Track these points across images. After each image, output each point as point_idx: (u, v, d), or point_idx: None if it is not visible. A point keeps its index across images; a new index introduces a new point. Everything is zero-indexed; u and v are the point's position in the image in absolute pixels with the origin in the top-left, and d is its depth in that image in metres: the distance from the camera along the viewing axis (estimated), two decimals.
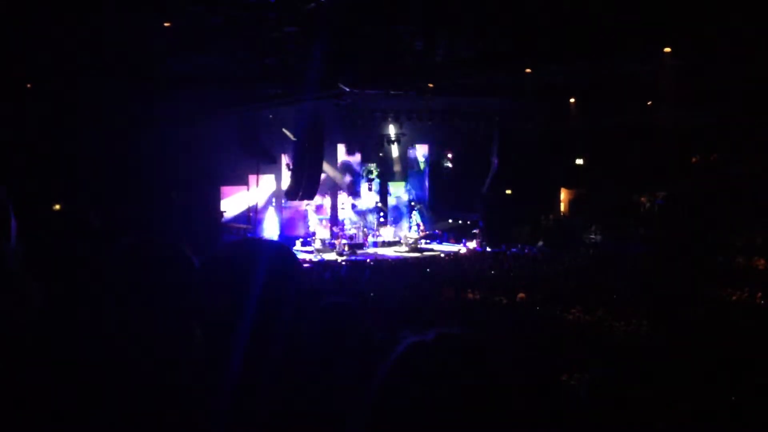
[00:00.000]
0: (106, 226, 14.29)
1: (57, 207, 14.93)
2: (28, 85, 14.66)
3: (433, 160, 25.42)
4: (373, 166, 24.22)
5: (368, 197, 24.25)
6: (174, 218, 15.67)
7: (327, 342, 2.21)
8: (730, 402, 5.03)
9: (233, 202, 21.50)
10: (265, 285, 1.57)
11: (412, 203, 25.02)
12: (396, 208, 25.12)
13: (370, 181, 24.10)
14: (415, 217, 24.75)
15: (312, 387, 1.69)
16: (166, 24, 12.88)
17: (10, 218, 1.38)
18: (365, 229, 23.45)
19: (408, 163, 25.28)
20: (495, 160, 22.84)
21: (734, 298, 11.77)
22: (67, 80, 14.51)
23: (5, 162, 13.04)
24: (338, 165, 23.82)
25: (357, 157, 24.17)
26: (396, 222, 24.78)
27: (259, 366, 1.59)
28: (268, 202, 22.60)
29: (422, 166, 25.60)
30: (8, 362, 1.65)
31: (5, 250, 1.59)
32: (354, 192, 24.19)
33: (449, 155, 24.95)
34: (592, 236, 20.83)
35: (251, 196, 21.83)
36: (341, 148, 23.79)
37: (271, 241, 1.78)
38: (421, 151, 25.53)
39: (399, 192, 25.26)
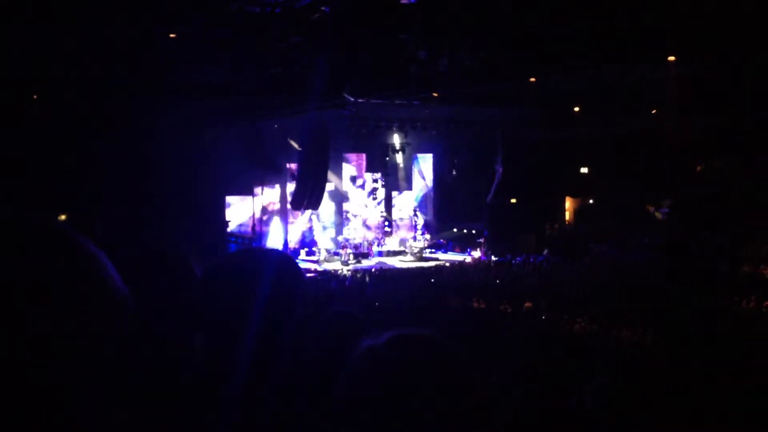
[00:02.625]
0: (111, 236, 14.32)
1: (62, 217, 14.96)
2: (34, 96, 14.74)
3: (438, 169, 25.44)
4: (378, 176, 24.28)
5: (373, 208, 24.27)
6: (180, 227, 15.68)
7: (330, 352, 2.21)
8: (736, 411, 5.00)
9: (238, 212, 21.54)
10: (268, 295, 1.56)
11: (417, 212, 25.02)
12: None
13: (374, 190, 24.13)
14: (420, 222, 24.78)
15: (316, 397, 1.68)
16: (171, 35, 12.96)
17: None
18: (370, 239, 23.47)
19: (413, 172, 25.31)
20: (500, 169, 22.83)
21: (741, 306, 11.71)
22: (73, 90, 14.58)
23: (11, 172, 13.09)
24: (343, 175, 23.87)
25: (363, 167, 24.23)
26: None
27: (262, 376, 1.58)
28: (273, 212, 22.62)
29: (427, 175, 25.63)
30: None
31: None
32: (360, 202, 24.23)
33: (454, 164, 24.96)
34: (597, 245, 20.76)
35: (256, 206, 21.86)
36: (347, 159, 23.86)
37: (273, 251, 1.78)
38: (425, 161, 25.56)
39: (404, 201, 25.27)
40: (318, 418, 1.55)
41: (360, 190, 24.38)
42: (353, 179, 24.24)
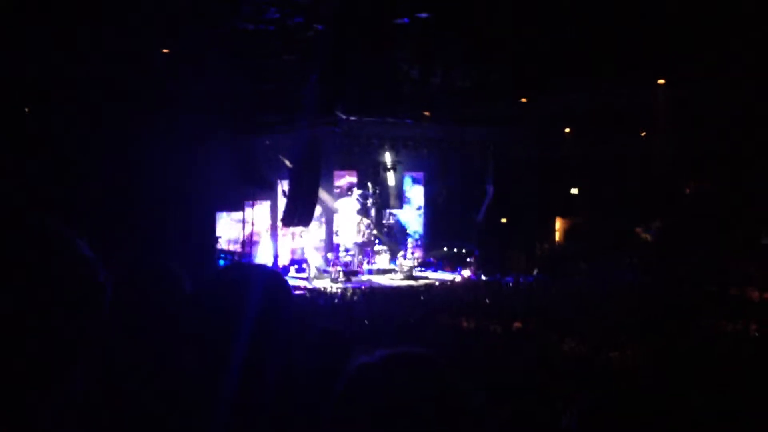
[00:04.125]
0: (99, 249, 14.22)
1: None
2: (26, 109, 14.73)
3: (428, 188, 25.48)
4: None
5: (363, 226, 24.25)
6: (169, 243, 15.63)
7: (318, 368, 2.21)
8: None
9: (228, 228, 21.49)
10: (257, 310, 1.57)
11: (407, 231, 24.99)
12: (391, 235, 25.09)
13: (365, 208, 24.13)
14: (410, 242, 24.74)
15: (305, 414, 1.68)
16: (164, 50, 13.01)
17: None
18: (360, 257, 23.42)
19: (403, 191, 25.34)
20: (490, 188, 22.91)
21: (729, 329, 11.75)
22: (63, 103, 14.57)
23: None
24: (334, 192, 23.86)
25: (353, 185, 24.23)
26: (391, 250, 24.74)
27: (252, 391, 1.58)
28: (264, 229, 22.57)
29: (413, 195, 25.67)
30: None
31: None
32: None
33: (445, 183, 25.02)
34: (587, 265, 20.82)
35: (247, 222, 21.81)
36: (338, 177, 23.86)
37: (262, 267, 1.79)
38: (413, 180, 25.61)
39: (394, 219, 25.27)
40: (309, 428, 1.56)
41: (351, 206, 24.35)
42: (343, 194, 24.22)
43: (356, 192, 23.67)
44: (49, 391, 1.05)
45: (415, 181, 25.71)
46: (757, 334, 11.32)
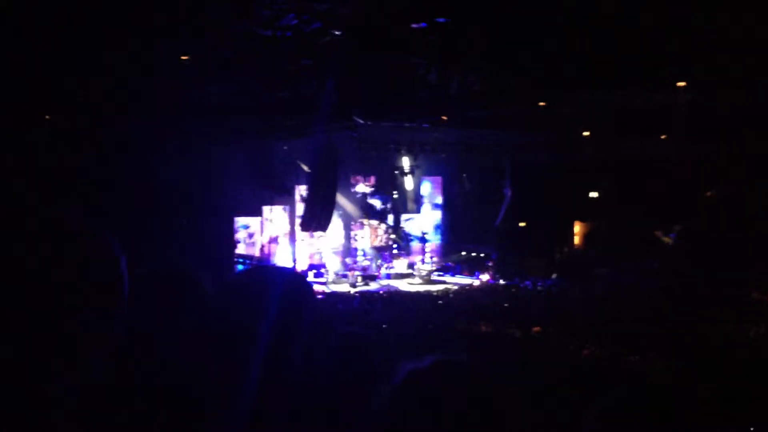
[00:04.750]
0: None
1: None
2: (47, 117, 14.88)
3: (446, 192, 25.46)
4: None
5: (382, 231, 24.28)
6: (188, 247, 15.72)
7: (342, 371, 2.21)
8: None
9: (247, 233, 21.58)
10: (279, 311, 1.57)
11: (425, 235, 24.98)
12: (409, 239, 25.10)
13: (383, 212, 24.15)
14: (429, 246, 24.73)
15: (327, 414, 1.68)
16: (183, 57, 13.09)
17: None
18: (379, 261, 23.44)
19: (421, 195, 25.34)
20: (508, 192, 22.84)
21: (751, 333, 11.62)
22: (82, 110, 14.70)
23: (16, 193, 13.16)
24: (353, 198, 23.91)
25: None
26: (409, 254, 24.74)
27: (274, 393, 1.59)
28: (282, 233, 22.65)
29: (436, 199, 25.67)
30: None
31: None
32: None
33: (463, 187, 24.98)
34: (606, 270, 20.68)
35: (265, 228, 21.90)
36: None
37: (285, 268, 1.80)
38: (432, 184, 25.61)
39: (412, 224, 25.27)
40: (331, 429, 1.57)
41: (369, 211, 24.39)
42: (363, 200, 24.27)
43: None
44: (70, 380, 1.07)
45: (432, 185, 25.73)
46: None
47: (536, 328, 12.03)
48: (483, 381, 1.18)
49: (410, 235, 25.05)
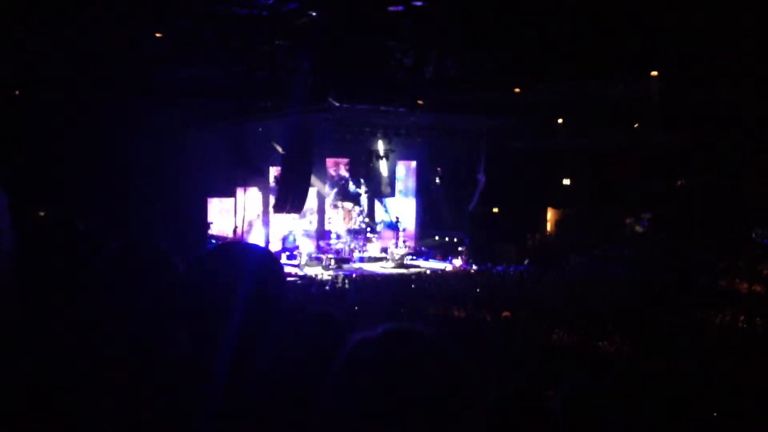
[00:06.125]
0: (92, 231, 14.19)
1: (41, 213, 14.83)
2: (17, 92, 14.62)
3: (420, 177, 25.48)
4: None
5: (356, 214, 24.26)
6: (160, 227, 15.60)
7: (312, 348, 2.23)
8: (708, 421, 5.07)
9: (220, 214, 21.46)
10: (250, 288, 1.58)
11: (399, 219, 25.01)
12: (383, 223, 25.11)
13: (357, 195, 24.12)
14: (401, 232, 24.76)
15: (297, 391, 1.70)
16: (157, 35, 12.91)
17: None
18: (352, 244, 23.43)
19: (395, 179, 25.34)
20: (482, 178, 22.92)
21: (717, 320, 11.83)
22: (56, 88, 14.48)
23: None
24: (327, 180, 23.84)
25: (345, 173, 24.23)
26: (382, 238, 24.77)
27: (244, 368, 1.60)
28: (255, 215, 22.55)
29: (409, 183, 25.68)
30: None
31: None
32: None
33: (438, 171, 25.01)
34: (577, 256, 20.89)
35: (238, 209, 21.78)
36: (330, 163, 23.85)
37: (254, 246, 1.80)
38: (406, 168, 25.61)
39: (386, 207, 25.28)
40: (301, 409, 1.57)
41: (343, 193, 24.35)
42: (338, 183, 24.21)
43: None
44: None
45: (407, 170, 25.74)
46: (744, 325, 11.41)
47: (506, 313, 12.13)
48: (440, 352, 1.13)
49: (384, 220, 25.07)
